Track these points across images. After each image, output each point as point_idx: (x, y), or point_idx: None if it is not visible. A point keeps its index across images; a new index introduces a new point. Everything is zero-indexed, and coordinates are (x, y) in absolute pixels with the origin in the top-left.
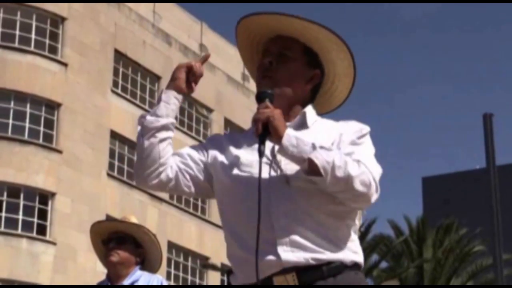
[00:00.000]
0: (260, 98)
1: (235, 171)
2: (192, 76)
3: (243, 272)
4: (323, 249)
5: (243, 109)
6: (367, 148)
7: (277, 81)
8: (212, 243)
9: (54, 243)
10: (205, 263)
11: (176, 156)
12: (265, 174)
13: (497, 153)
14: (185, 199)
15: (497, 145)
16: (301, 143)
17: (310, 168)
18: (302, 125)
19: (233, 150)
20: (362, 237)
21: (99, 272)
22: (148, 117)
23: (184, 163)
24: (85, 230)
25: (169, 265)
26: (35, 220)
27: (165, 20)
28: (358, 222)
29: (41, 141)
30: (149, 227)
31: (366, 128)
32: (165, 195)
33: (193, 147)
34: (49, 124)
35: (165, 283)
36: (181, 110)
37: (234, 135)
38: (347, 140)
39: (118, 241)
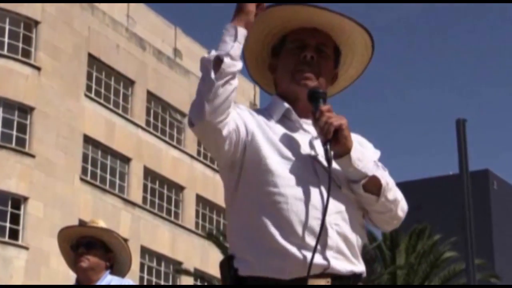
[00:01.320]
0: (314, 97)
1: (288, 156)
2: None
3: (275, 264)
4: (356, 260)
5: None
6: (382, 168)
7: (318, 78)
8: (185, 248)
9: (26, 248)
10: (178, 268)
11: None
12: (319, 174)
13: (470, 159)
14: (158, 204)
15: (470, 151)
16: (365, 158)
17: (368, 184)
18: None
19: (277, 133)
20: None
21: (72, 277)
22: (226, 60)
23: (237, 124)
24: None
25: (142, 270)
26: (7, 224)
27: (139, 25)
28: None
29: (13, 145)
30: (122, 232)
31: (377, 152)
32: (138, 200)
33: (237, 113)
34: (21, 128)
35: None
36: (155, 114)
37: (261, 114)
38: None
39: (87, 246)
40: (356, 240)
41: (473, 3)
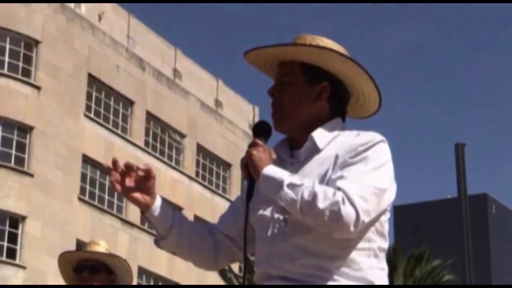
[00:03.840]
0: (254, 130)
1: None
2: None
3: None
4: (326, 274)
5: (215, 135)
6: (364, 165)
7: (283, 111)
8: (182, 269)
9: (23, 267)
10: None
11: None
12: (266, 212)
13: (468, 183)
14: None
15: (469, 175)
16: (270, 183)
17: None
18: (313, 149)
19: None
20: None
21: None
22: (161, 242)
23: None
24: (55, 254)
25: None
26: (5, 243)
27: (139, 45)
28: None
29: (12, 164)
30: (120, 252)
31: (373, 140)
32: (136, 220)
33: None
34: (21, 147)
35: None
36: (154, 135)
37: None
38: (339, 164)
39: (92, 270)
40: (315, 263)
41: (471, 25)
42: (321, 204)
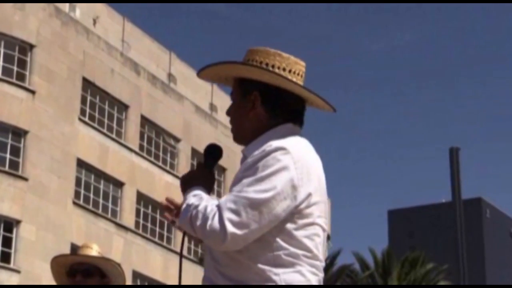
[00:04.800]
0: (204, 153)
1: None
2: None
3: None
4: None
5: (210, 139)
6: (249, 177)
7: (233, 127)
8: (177, 273)
9: (18, 271)
10: None
11: None
12: None
13: (463, 187)
14: (151, 229)
15: (463, 179)
16: (183, 206)
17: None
18: (243, 161)
19: None
20: (326, 269)
21: None
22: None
23: None
24: (50, 258)
25: None
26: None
27: (133, 49)
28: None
29: (7, 168)
30: (114, 256)
31: (264, 150)
32: (130, 224)
33: None
34: (15, 151)
35: None
36: (148, 139)
37: None
38: (236, 179)
39: (85, 274)
40: (221, 269)
41: (467, 31)
42: (198, 221)
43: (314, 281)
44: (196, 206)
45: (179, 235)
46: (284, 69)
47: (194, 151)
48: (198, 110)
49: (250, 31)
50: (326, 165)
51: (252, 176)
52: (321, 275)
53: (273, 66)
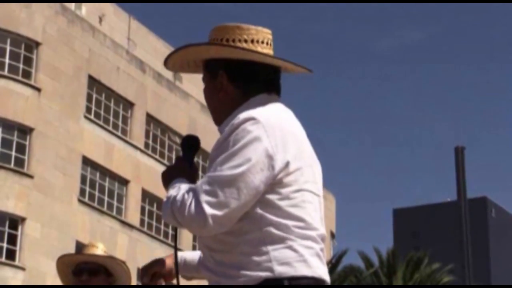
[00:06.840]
0: (182, 145)
1: None
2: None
3: None
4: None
5: (216, 136)
6: (221, 154)
7: (210, 111)
8: None
9: (23, 268)
10: None
11: None
12: None
13: (468, 186)
14: (156, 227)
15: (468, 178)
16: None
17: None
18: None
19: None
20: (332, 269)
21: None
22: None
23: None
24: (54, 255)
25: None
26: (5, 245)
27: (139, 47)
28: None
29: (12, 165)
30: (119, 254)
31: (233, 124)
32: (135, 222)
33: None
34: (21, 149)
35: None
36: (154, 137)
37: None
38: (210, 159)
39: (91, 273)
40: (211, 256)
41: (469, 32)
42: (177, 211)
43: (308, 255)
44: (175, 197)
45: (184, 233)
46: (246, 41)
47: (199, 149)
48: (204, 108)
49: None
50: (332, 162)
51: (224, 153)
52: (318, 246)
53: (233, 41)
